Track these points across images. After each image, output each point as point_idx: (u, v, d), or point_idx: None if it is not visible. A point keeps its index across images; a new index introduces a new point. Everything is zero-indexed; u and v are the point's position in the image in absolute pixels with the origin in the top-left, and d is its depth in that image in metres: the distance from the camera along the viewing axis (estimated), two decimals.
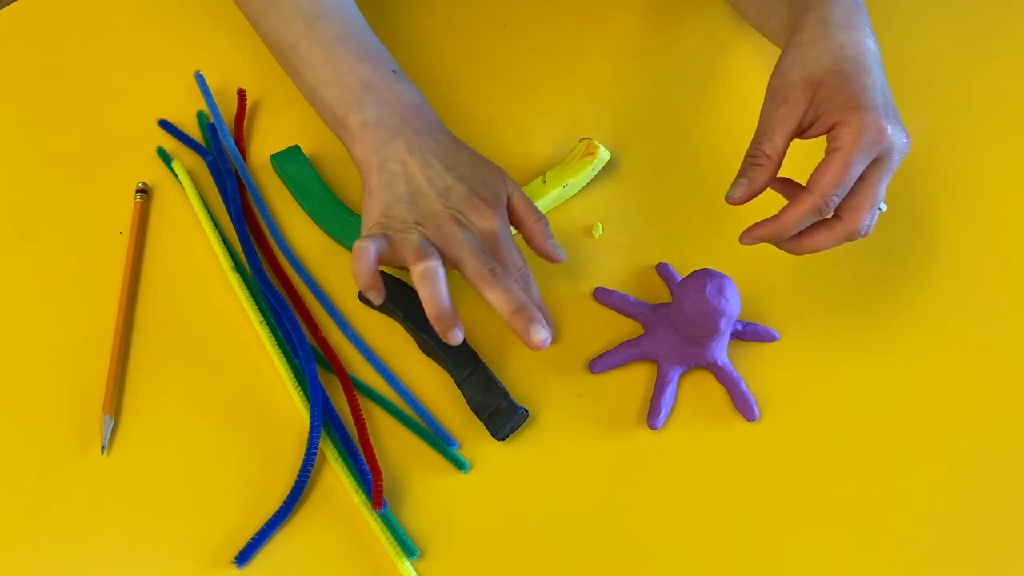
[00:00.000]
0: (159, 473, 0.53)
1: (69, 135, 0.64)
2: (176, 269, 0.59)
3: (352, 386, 0.55)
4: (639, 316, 0.58)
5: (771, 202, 0.55)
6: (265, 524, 0.51)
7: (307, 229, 0.61)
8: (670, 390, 0.56)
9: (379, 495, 0.51)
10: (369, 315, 0.58)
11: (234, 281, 0.58)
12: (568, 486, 0.53)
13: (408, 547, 0.50)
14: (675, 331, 0.55)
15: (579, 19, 0.73)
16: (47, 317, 0.57)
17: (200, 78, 0.65)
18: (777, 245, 0.55)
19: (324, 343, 0.57)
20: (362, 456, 0.53)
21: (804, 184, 0.53)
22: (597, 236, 0.62)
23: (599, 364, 0.57)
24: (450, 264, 0.52)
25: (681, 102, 0.69)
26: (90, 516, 0.51)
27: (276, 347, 0.56)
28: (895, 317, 0.60)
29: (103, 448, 0.53)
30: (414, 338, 0.57)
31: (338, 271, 0.60)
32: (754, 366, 0.57)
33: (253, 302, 0.58)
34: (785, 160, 0.54)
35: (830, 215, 0.53)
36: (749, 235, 0.54)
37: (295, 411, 0.55)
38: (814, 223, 0.53)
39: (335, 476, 0.53)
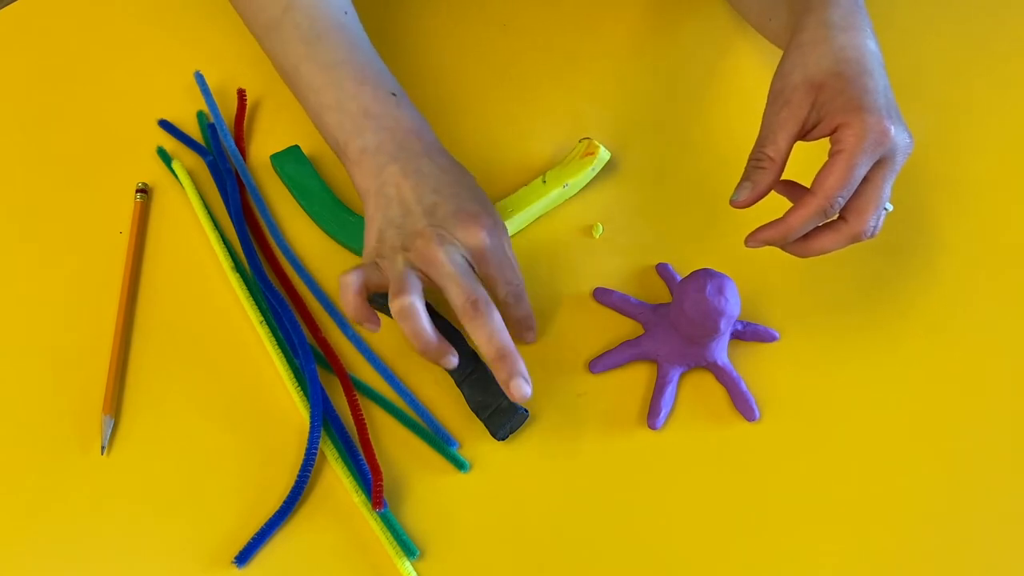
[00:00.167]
0: (159, 473, 0.53)
1: (69, 135, 0.64)
2: (176, 269, 0.59)
3: (352, 386, 0.55)
4: (639, 316, 0.58)
5: (775, 205, 0.55)
6: (265, 524, 0.51)
7: (307, 229, 0.61)
8: (670, 390, 0.56)
9: (379, 495, 0.51)
10: None
11: (234, 281, 0.58)
12: (568, 486, 0.53)
13: (408, 547, 0.50)
14: (675, 331, 0.55)
15: (579, 19, 0.73)
16: (47, 317, 0.57)
17: (200, 78, 0.65)
18: (783, 248, 0.55)
19: (324, 343, 0.57)
20: (362, 456, 0.53)
21: (808, 187, 0.53)
22: (597, 236, 0.62)
23: (599, 364, 0.57)
24: (436, 289, 0.52)
25: (681, 102, 0.69)
26: (90, 516, 0.51)
27: (276, 347, 0.56)
28: (895, 317, 0.60)
29: (103, 448, 0.53)
30: None
31: (338, 271, 0.59)
32: (754, 366, 0.57)
33: (253, 302, 0.58)
34: (788, 163, 0.54)
35: (835, 217, 0.53)
36: (754, 238, 0.54)
37: (295, 411, 0.55)
38: (820, 226, 0.53)
39: (335, 476, 0.53)
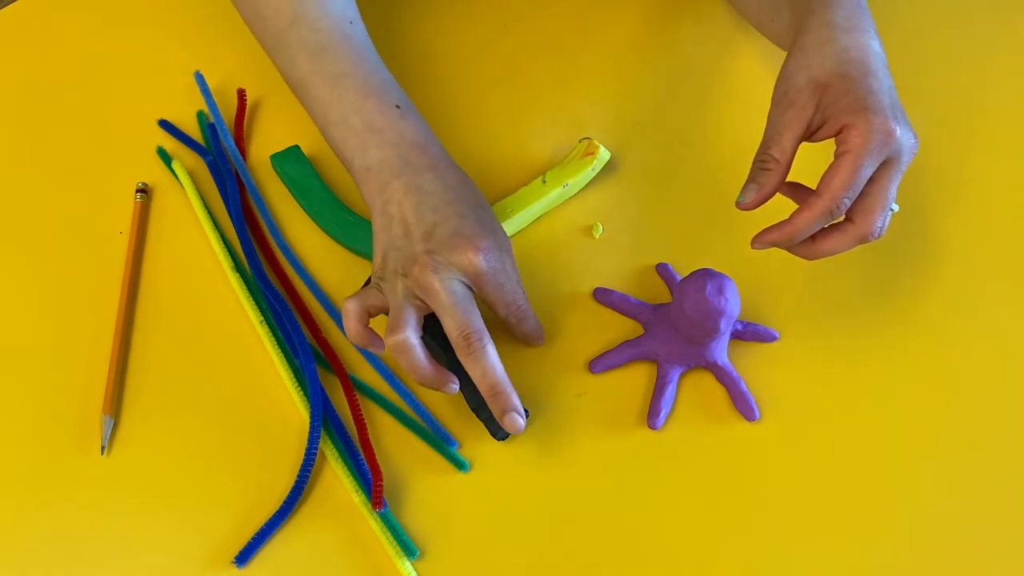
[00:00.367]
0: (159, 473, 0.53)
1: (69, 135, 0.64)
2: (176, 269, 0.59)
3: (352, 386, 0.55)
4: (639, 316, 0.58)
5: (779, 207, 0.55)
6: (265, 524, 0.51)
7: (307, 229, 0.61)
8: (670, 390, 0.56)
9: (379, 495, 0.51)
10: None
11: (234, 281, 0.58)
12: (568, 486, 0.53)
13: (408, 547, 0.50)
14: (675, 331, 0.55)
15: (579, 19, 0.73)
16: (47, 317, 0.57)
17: (200, 78, 0.65)
18: (790, 250, 0.55)
19: (324, 343, 0.57)
20: (362, 456, 0.53)
21: (814, 188, 0.52)
22: (597, 236, 0.62)
23: (599, 364, 0.57)
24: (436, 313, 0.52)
25: (681, 102, 0.69)
26: (90, 516, 0.51)
27: (276, 347, 0.56)
28: (896, 317, 0.60)
29: (103, 448, 0.53)
30: None
31: (338, 271, 0.60)
32: (754, 366, 0.57)
33: (253, 302, 0.58)
34: (794, 165, 0.53)
35: (841, 218, 0.53)
36: (760, 240, 0.54)
37: (295, 411, 0.55)
38: (826, 227, 0.53)
39: (335, 476, 0.53)
